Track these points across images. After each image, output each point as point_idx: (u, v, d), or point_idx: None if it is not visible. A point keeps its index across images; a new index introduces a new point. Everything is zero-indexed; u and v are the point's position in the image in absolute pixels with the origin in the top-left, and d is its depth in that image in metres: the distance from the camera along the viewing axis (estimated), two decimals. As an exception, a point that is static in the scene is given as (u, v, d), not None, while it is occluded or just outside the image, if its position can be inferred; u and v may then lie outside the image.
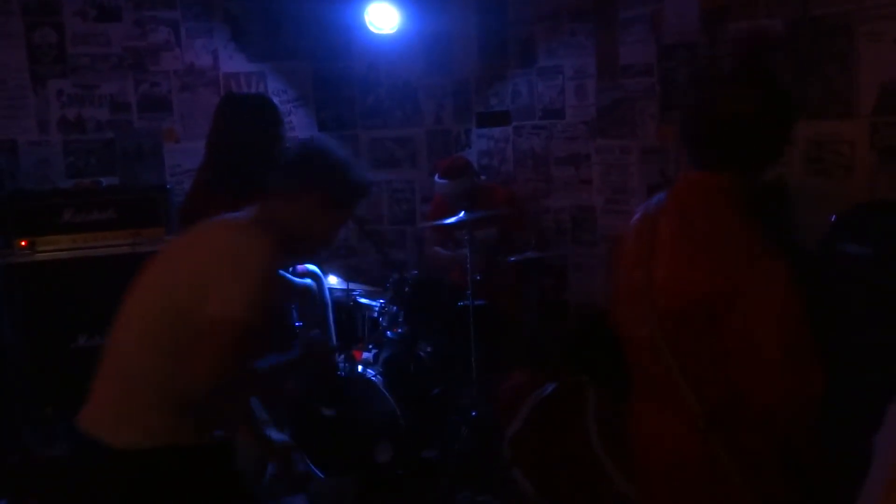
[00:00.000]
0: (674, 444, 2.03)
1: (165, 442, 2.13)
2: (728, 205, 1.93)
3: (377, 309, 4.29)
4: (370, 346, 4.16)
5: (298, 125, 5.45)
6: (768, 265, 1.82)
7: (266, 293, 2.08)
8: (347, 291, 4.39)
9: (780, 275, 1.81)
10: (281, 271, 3.24)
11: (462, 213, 4.15)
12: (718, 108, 1.94)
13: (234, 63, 5.24)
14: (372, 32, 5.28)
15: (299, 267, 3.57)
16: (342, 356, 3.99)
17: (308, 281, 3.53)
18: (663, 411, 2.05)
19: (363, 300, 4.43)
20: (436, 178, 4.77)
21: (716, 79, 2.29)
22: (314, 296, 3.61)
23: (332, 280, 4.47)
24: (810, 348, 1.80)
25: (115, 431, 2.13)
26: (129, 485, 2.17)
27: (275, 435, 2.73)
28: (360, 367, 3.90)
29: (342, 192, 2.34)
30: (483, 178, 5.11)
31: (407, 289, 4.19)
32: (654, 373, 2.03)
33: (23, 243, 4.19)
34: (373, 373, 3.88)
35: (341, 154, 2.37)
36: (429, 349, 4.18)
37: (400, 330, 4.17)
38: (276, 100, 5.20)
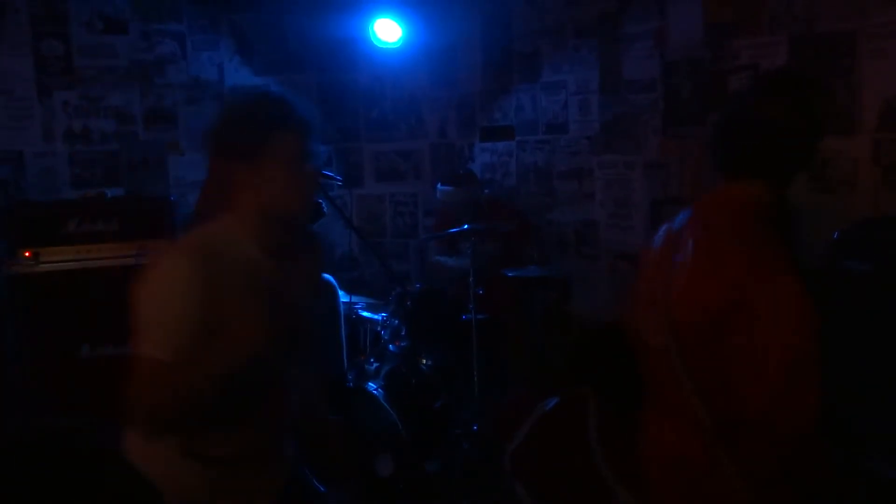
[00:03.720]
0: (680, 454, 2.03)
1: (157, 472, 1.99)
2: (752, 218, 1.94)
3: (379, 322, 4.29)
4: (372, 360, 4.16)
5: (303, 138, 5.46)
6: (782, 280, 1.82)
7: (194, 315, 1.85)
8: (350, 304, 4.39)
9: (793, 290, 1.81)
10: None
11: (466, 226, 4.16)
12: (747, 117, 1.96)
13: (239, 76, 5.26)
14: (377, 46, 5.30)
15: None
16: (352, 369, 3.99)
17: (328, 276, 3.53)
18: (672, 420, 2.06)
19: (365, 313, 4.43)
20: (438, 185, 4.77)
21: (744, 90, 2.29)
22: (331, 292, 3.62)
23: (335, 293, 4.48)
24: (814, 367, 1.80)
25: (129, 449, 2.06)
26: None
27: None
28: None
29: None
30: (487, 192, 5.12)
31: (409, 302, 4.19)
32: (666, 382, 2.04)
33: (27, 254, 4.19)
34: (374, 386, 3.87)
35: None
36: (430, 363, 4.17)
37: (402, 343, 4.17)
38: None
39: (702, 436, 1.95)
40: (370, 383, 3.88)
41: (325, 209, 3.65)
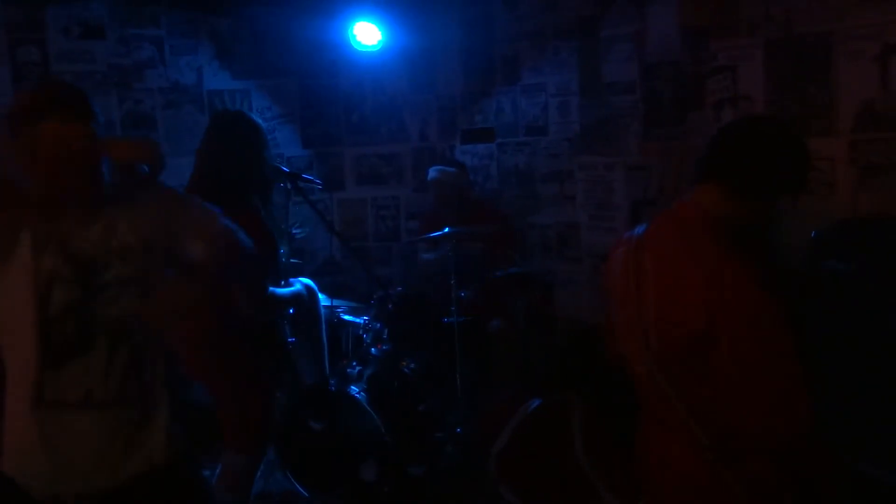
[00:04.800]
0: (684, 471, 2.02)
1: None
2: (710, 234, 1.93)
3: (361, 326, 4.29)
4: (354, 364, 4.15)
5: (283, 142, 5.46)
6: (746, 292, 1.83)
7: None
8: (331, 308, 4.38)
9: (757, 304, 1.82)
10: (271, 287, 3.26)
11: (447, 229, 4.17)
12: (735, 131, 2.02)
13: (218, 80, 5.24)
14: (357, 50, 5.30)
15: (292, 279, 3.58)
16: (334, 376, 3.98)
17: (298, 287, 3.53)
18: (672, 440, 2.04)
19: (347, 317, 4.42)
20: (430, 170, 4.80)
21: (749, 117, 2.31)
22: (305, 301, 3.61)
23: (317, 297, 4.47)
24: (796, 377, 1.81)
25: None
26: None
27: None
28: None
29: None
30: (475, 189, 5.13)
31: (391, 306, 4.18)
32: (660, 406, 2.03)
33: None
34: (357, 390, 3.86)
35: None
36: (413, 366, 4.17)
37: (384, 347, 4.17)
38: (261, 117, 5.24)
39: (704, 454, 1.95)
40: (353, 387, 3.87)
41: (284, 169, 3.63)
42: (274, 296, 3.25)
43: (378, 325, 4.21)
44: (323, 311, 4.04)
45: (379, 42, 5.26)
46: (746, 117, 2.09)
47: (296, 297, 3.49)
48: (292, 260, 3.97)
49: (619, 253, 2.14)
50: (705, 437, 1.93)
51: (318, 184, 4.06)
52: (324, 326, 4.03)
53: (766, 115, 2.14)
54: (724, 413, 1.89)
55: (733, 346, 1.82)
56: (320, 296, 4.05)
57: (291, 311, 3.69)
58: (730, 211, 1.96)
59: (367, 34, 5.21)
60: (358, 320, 4.34)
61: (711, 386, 1.89)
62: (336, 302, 4.48)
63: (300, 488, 3.86)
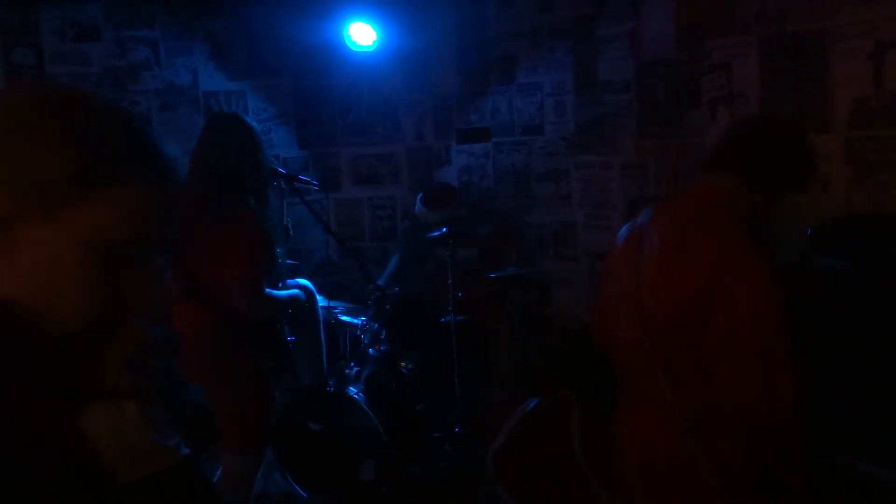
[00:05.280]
0: (653, 446, 2.05)
1: None
2: (723, 212, 1.97)
3: (359, 326, 4.29)
4: (352, 364, 4.15)
5: (279, 143, 5.45)
6: (754, 272, 1.85)
7: None
8: (329, 309, 4.39)
9: (764, 283, 1.84)
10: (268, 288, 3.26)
11: (444, 229, 4.18)
12: (759, 127, 2.10)
13: (214, 81, 5.24)
14: (352, 50, 5.30)
15: (290, 281, 3.58)
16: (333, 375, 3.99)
17: (295, 290, 3.54)
18: (645, 413, 2.07)
19: (345, 318, 4.42)
20: (418, 202, 4.79)
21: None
22: (303, 304, 3.62)
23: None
24: (785, 358, 1.82)
25: None
26: None
27: None
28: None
29: None
30: (469, 202, 5.12)
31: (388, 306, 4.19)
32: (640, 376, 2.06)
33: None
34: (355, 391, 3.87)
35: None
36: (411, 366, 4.18)
37: (382, 347, 4.18)
38: (256, 118, 5.23)
39: (674, 428, 1.97)
40: (351, 388, 3.88)
41: (281, 171, 3.64)
42: (271, 298, 3.25)
43: (376, 325, 4.21)
44: (321, 311, 4.05)
45: (374, 42, 5.26)
46: (759, 117, 2.17)
47: (292, 300, 3.49)
48: (288, 261, 3.98)
49: (623, 232, 2.18)
50: (681, 410, 1.95)
51: (315, 185, 4.07)
52: (322, 327, 4.04)
53: (775, 117, 2.23)
54: (705, 388, 1.91)
55: (731, 317, 1.84)
56: (318, 297, 4.06)
57: (289, 311, 3.70)
58: (741, 200, 2.00)
59: (362, 34, 5.21)
60: (355, 321, 4.35)
61: (699, 356, 1.91)
62: (333, 303, 4.48)
63: (299, 489, 3.86)
